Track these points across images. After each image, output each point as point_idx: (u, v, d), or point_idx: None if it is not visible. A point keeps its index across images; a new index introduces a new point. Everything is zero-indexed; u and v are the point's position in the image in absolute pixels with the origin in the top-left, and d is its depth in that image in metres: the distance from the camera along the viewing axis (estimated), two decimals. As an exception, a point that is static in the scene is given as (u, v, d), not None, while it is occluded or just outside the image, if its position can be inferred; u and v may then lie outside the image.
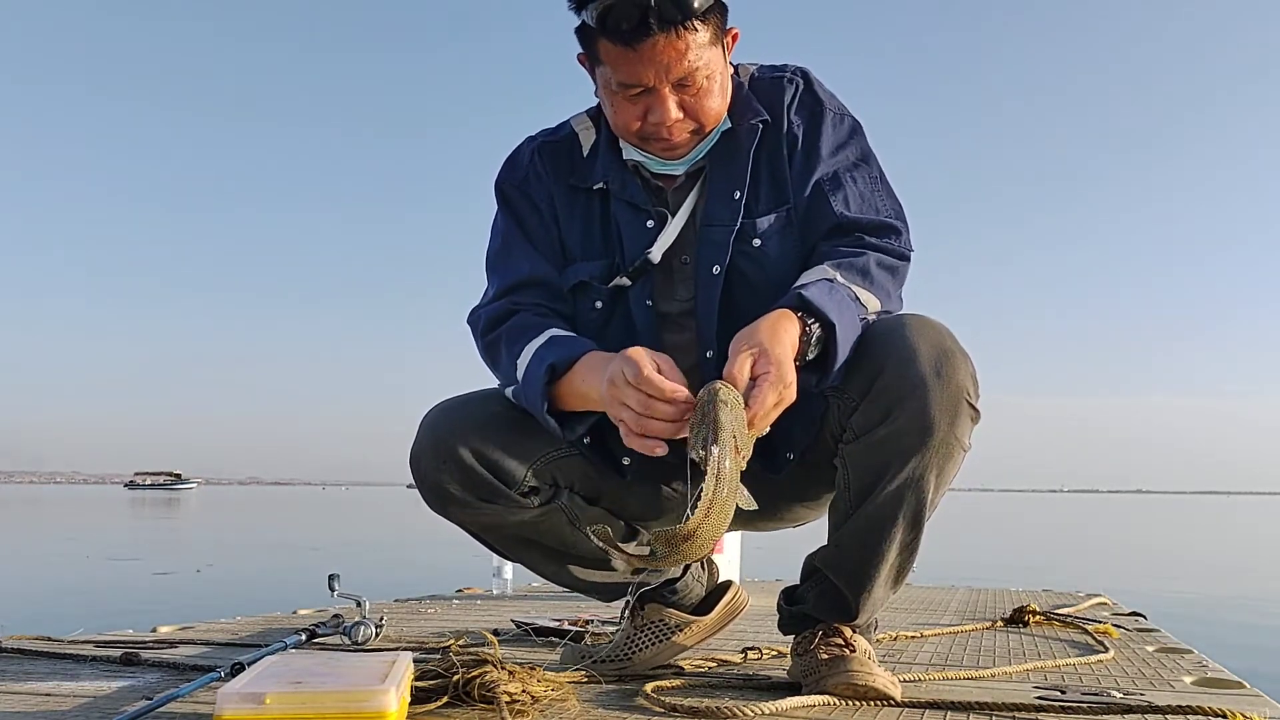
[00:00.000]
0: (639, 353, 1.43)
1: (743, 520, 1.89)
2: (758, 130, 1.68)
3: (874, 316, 1.59)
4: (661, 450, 1.40)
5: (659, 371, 1.41)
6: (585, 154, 1.75)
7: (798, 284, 1.55)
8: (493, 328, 1.71)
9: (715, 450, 1.32)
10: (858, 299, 1.56)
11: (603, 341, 1.70)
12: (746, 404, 1.38)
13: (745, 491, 1.39)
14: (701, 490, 1.31)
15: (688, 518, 1.30)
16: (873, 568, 1.59)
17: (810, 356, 1.49)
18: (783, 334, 1.44)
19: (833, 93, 1.74)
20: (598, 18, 1.50)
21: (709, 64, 1.56)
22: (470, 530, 1.77)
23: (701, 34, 1.52)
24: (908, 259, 1.66)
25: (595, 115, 1.76)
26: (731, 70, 1.70)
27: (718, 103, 1.62)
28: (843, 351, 1.51)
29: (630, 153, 1.68)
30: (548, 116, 1.89)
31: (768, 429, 1.44)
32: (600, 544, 1.39)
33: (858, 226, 1.64)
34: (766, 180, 1.69)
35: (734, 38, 1.64)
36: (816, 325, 1.48)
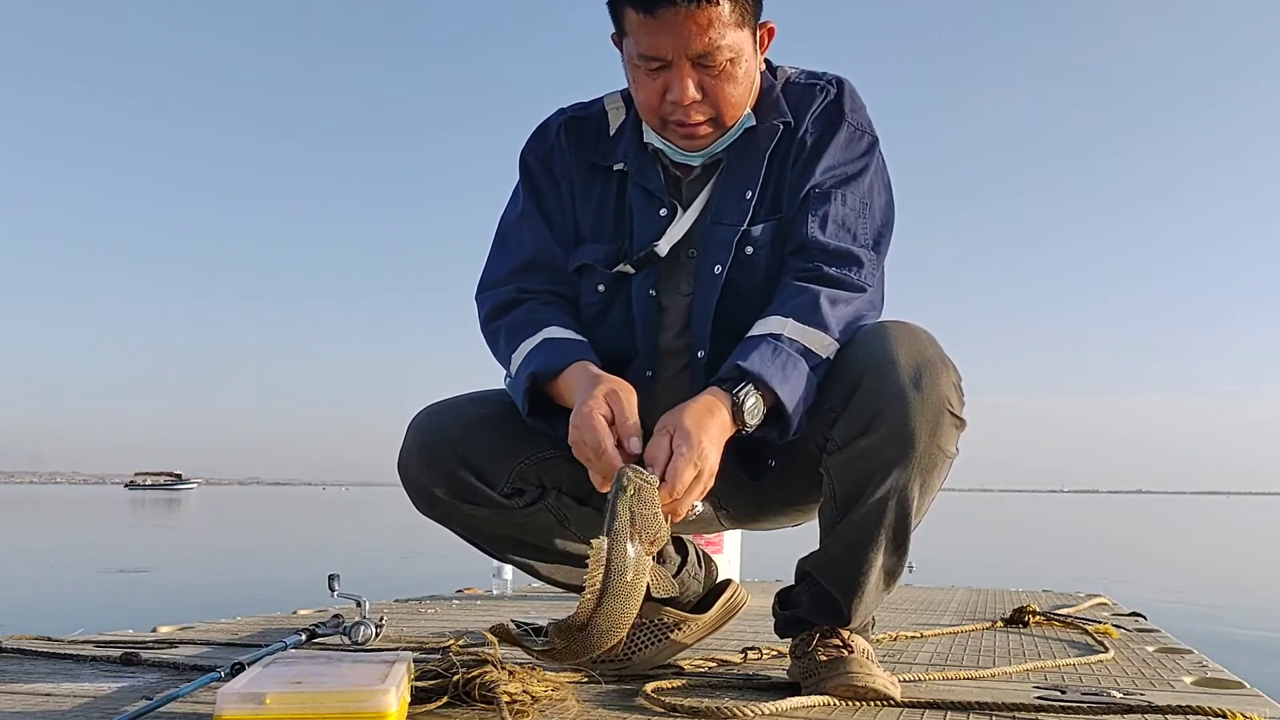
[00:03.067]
0: (595, 420, 1.43)
1: (736, 522, 1.90)
2: (777, 131, 1.66)
3: (829, 354, 1.57)
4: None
5: (614, 413, 1.44)
6: (612, 133, 1.74)
7: (741, 344, 1.54)
8: (496, 316, 1.71)
9: (603, 541, 1.34)
10: (808, 350, 1.54)
11: (602, 327, 1.71)
12: (663, 480, 1.38)
13: (664, 575, 1.43)
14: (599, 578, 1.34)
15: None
16: (861, 574, 1.60)
17: (751, 424, 1.48)
18: (703, 416, 1.44)
19: (863, 106, 1.71)
20: None
21: (732, 46, 1.54)
22: (459, 532, 1.78)
23: (726, 11, 1.51)
24: (862, 291, 1.62)
25: (628, 95, 1.75)
26: (764, 67, 1.69)
27: (739, 91, 1.60)
28: (795, 409, 1.50)
29: (651, 137, 1.67)
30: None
31: (691, 509, 1.43)
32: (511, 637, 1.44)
33: (822, 252, 1.62)
34: (773, 187, 1.67)
35: (770, 32, 1.63)
36: (751, 389, 1.47)
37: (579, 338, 1.64)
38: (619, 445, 1.43)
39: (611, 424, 1.44)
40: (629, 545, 1.34)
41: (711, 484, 1.44)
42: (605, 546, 1.34)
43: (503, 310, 1.70)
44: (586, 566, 1.53)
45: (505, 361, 1.67)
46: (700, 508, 1.46)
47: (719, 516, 1.86)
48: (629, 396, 1.47)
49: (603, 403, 1.45)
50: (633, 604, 1.36)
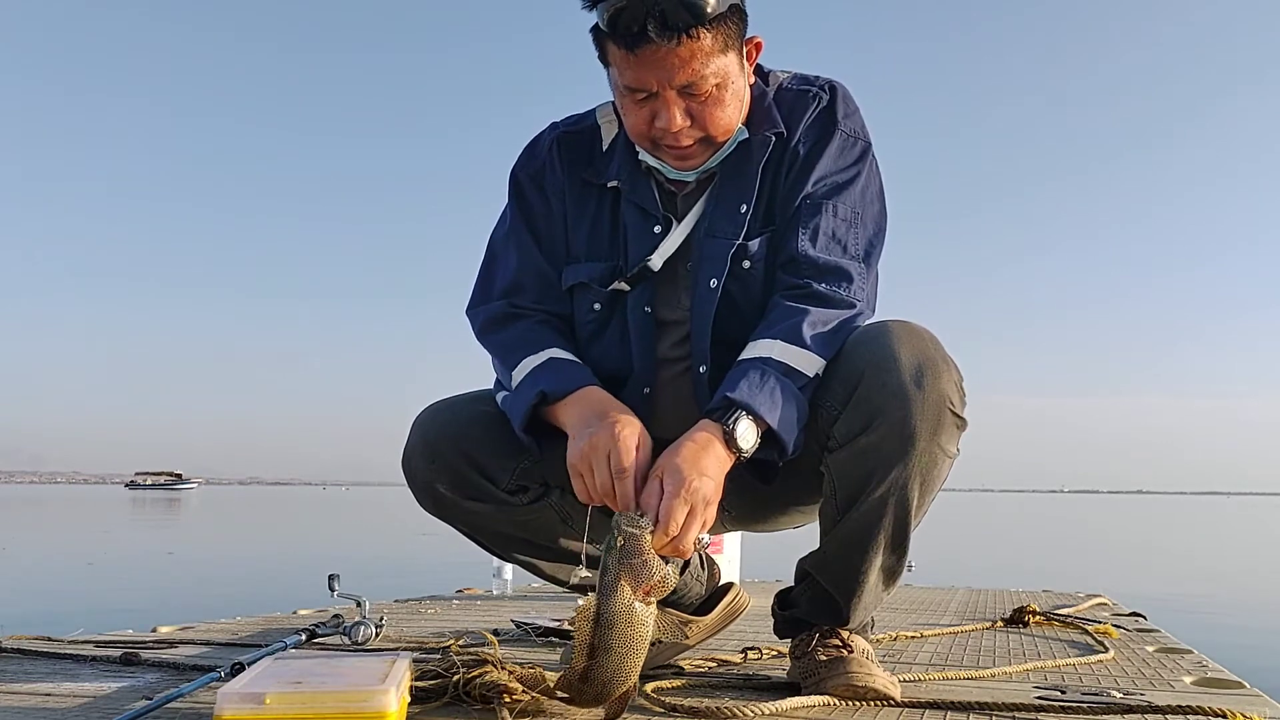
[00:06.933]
0: (629, 443, 1.43)
1: (738, 523, 1.90)
2: (770, 143, 1.64)
3: (816, 373, 1.56)
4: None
5: (637, 452, 1.43)
6: (604, 148, 1.73)
7: (730, 372, 1.54)
8: (490, 330, 1.71)
9: (592, 598, 1.35)
10: (795, 371, 1.53)
11: (599, 345, 1.70)
12: (657, 521, 1.38)
13: (670, 621, 1.43)
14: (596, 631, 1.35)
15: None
16: (860, 573, 1.60)
17: (746, 449, 1.48)
18: (696, 453, 1.43)
19: (857, 111, 1.69)
20: (608, 21, 1.49)
21: (718, 72, 1.52)
22: (462, 530, 1.79)
23: (708, 41, 1.49)
24: (852, 307, 1.61)
25: None
26: (754, 79, 1.68)
27: (729, 113, 1.58)
28: (786, 432, 1.50)
29: (644, 157, 1.66)
30: (563, 115, 1.86)
31: (697, 543, 1.43)
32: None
33: (811, 268, 1.61)
34: (767, 199, 1.66)
35: (757, 47, 1.61)
36: (742, 415, 1.47)
37: (581, 363, 1.64)
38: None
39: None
40: (621, 598, 1.35)
41: (712, 516, 1.43)
42: (594, 603, 1.35)
43: (498, 324, 1.70)
44: (588, 567, 1.54)
45: (504, 375, 1.66)
46: (706, 540, 1.46)
47: (722, 519, 1.86)
48: (649, 445, 1.47)
49: (637, 437, 1.45)
50: (633, 657, 1.36)
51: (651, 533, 1.37)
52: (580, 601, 1.38)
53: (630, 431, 1.45)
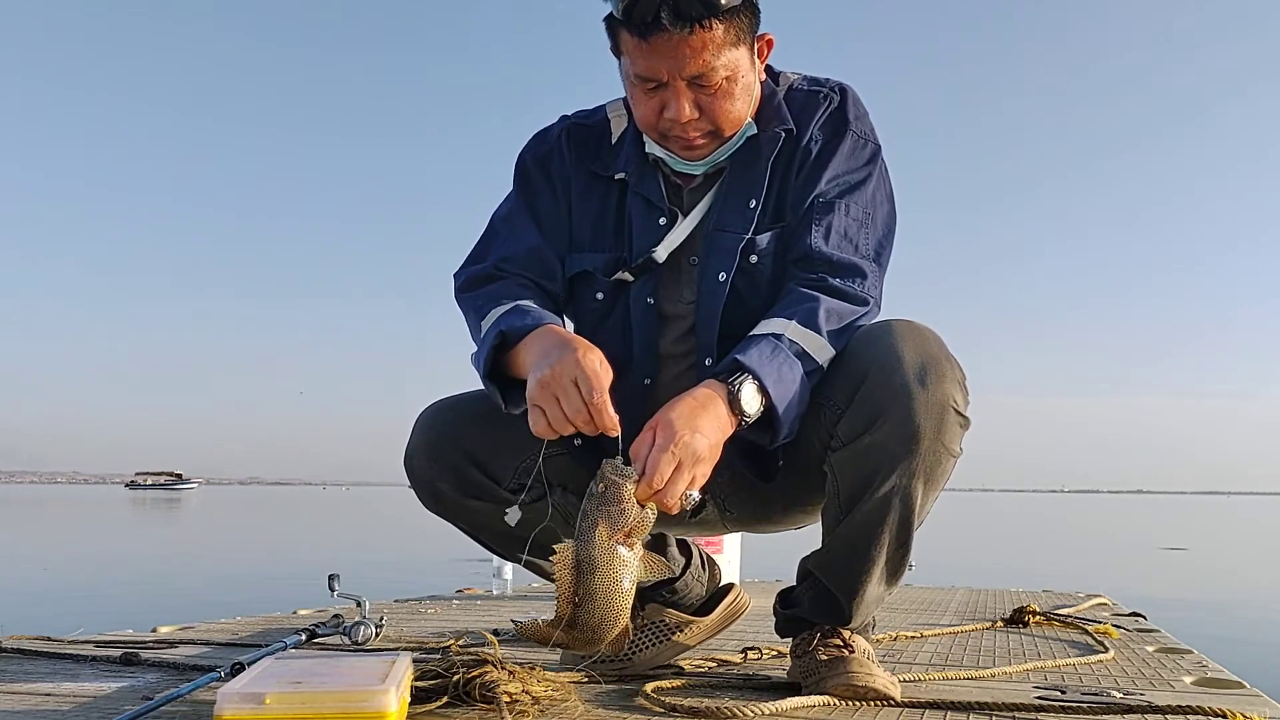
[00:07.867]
0: (595, 367, 1.40)
1: (740, 524, 1.90)
2: (779, 139, 1.65)
3: (824, 361, 1.56)
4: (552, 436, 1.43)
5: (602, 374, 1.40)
6: (613, 141, 1.74)
7: (742, 342, 1.53)
8: (470, 288, 1.70)
9: (570, 544, 1.36)
10: (805, 354, 1.53)
11: (601, 334, 1.70)
12: (642, 473, 1.36)
13: (656, 559, 1.42)
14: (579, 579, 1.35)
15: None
16: (863, 572, 1.59)
17: (749, 413, 1.46)
18: (693, 409, 1.42)
19: (866, 114, 1.70)
20: (623, 9, 1.50)
21: (729, 64, 1.53)
22: (464, 529, 1.79)
23: (720, 33, 1.50)
24: (866, 303, 1.61)
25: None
26: (765, 77, 1.68)
27: (738, 106, 1.59)
28: (785, 411, 1.49)
29: (652, 148, 1.67)
30: (559, 114, 1.87)
31: (686, 499, 1.41)
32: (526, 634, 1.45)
33: (826, 264, 1.61)
34: (776, 196, 1.67)
35: (768, 44, 1.62)
36: (747, 379, 1.46)
37: (550, 312, 1.61)
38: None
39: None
40: (598, 543, 1.34)
41: (705, 474, 1.42)
42: (571, 549, 1.35)
43: (477, 283, 1.69)
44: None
45: (474, 330, 1.64)
46: (696, 497, 1.44)
47: (723, 519, 1.86)
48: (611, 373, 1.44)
49: (599, 358, 1.42)
50: (619, 598, 1.36)
51: (635, 483, 1.36)
52: (556, 546, 1.36)
53: (595, 356, 1.42)
